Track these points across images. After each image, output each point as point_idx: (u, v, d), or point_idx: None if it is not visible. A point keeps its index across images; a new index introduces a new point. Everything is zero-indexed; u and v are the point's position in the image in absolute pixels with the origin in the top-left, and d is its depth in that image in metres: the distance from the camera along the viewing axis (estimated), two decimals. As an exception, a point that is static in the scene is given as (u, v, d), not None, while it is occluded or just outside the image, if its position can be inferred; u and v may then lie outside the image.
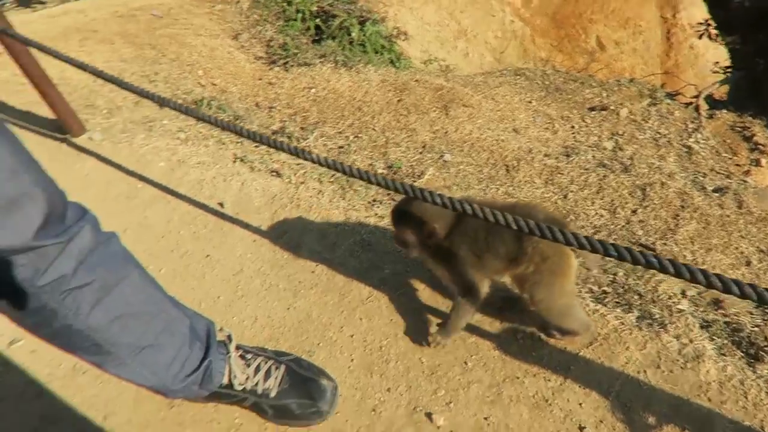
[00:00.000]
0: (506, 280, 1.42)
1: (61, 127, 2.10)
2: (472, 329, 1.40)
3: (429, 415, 1.24)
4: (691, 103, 3.24)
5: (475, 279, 1.28)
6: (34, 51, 1.81)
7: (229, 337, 1.22)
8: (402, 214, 1.30)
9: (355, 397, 1.30)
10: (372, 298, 1.50)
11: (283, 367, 1.25)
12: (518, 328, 1.40)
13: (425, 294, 1.51)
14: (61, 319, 0.93)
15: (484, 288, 1.31)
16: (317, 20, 3.92)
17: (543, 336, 1.37)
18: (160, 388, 1.13)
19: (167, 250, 1.69)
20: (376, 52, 3.83)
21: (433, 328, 1.39)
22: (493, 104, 2.99)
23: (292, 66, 3.37)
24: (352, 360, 1.36)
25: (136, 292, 1.01)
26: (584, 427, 1.21)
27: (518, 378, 1.30)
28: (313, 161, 1.14)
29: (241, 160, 2.03)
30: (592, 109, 3.16)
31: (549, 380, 1.29)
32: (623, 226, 2.07)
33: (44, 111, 2.26)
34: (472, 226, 1.25)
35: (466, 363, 1.34)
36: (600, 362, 1.32)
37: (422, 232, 1.27)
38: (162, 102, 1.35)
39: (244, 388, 1.20)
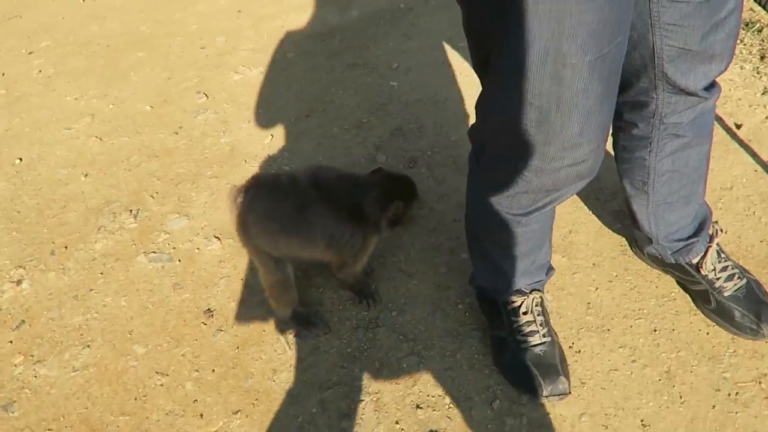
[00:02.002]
0: None
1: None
2: None
3: None
4: None
5: None
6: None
7: (717, 232, 1.42)
8: None
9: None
10: None
11: (745, 281, 1.42)
12: None
13: None
14: (644, 153, 1.25)
15: None
16: None
17: None
18: (647, 234, 1.43)
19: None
20: None
21: None
22: None
23: None
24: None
25: (696, 160, 1.28)
26: None
27: None
28: None
29: (772, 95, 2.06)
30: None
31: None
32: None
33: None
34: None
35: None
36: None
37: None
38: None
39: (706, 276, 1.42)
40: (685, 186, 1.32)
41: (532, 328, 1.40)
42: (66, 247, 1.91)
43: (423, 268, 1.71)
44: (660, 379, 1.38)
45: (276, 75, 2.52)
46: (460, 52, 2.46)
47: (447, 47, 2.52)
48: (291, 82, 2.46)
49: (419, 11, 2.77)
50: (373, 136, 2.16)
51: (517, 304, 1.41)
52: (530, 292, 1.40)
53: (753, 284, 1.42)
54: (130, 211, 2.00)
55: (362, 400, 1.44)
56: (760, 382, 1.34)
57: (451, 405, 1.41)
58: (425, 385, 1.45)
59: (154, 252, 1.86)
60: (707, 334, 1.44)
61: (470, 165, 1.29)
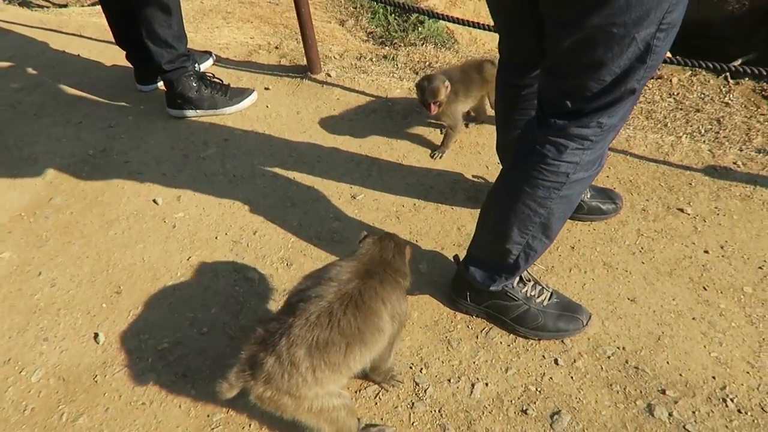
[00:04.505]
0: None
1: (302, 67, 2.83)
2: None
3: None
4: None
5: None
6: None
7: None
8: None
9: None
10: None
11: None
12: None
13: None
14: None
15: None
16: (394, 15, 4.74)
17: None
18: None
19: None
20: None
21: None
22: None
23: (400, 46, 4.17)
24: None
25: None
26: None
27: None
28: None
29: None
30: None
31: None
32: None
33: (267, 58, 2.99)
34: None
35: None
36: None
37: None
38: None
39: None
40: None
41: (538, 287, 1.68)
42: None
43: (397, 326, 1.75)
44: (606, 271, 1.86)
45: (37, 283, 1.96)
46: (208, 162, 2.43)
47: (185, 164, 2.44)
48: (52, 275, 1.96)
49: (117, 149, 2.56)
50: (216, 273, 1.97)
51: (518, 278, 1.66)
52: None
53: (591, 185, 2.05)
54: None
55: (486, 444, 1.45)
56: (641, 234, 1.97)
57: (539, 389, 1.56)
58: (509, 393, 1.55)
59: None
60: (594, 229, 2.00)
61: (553, 163, 1.37)
